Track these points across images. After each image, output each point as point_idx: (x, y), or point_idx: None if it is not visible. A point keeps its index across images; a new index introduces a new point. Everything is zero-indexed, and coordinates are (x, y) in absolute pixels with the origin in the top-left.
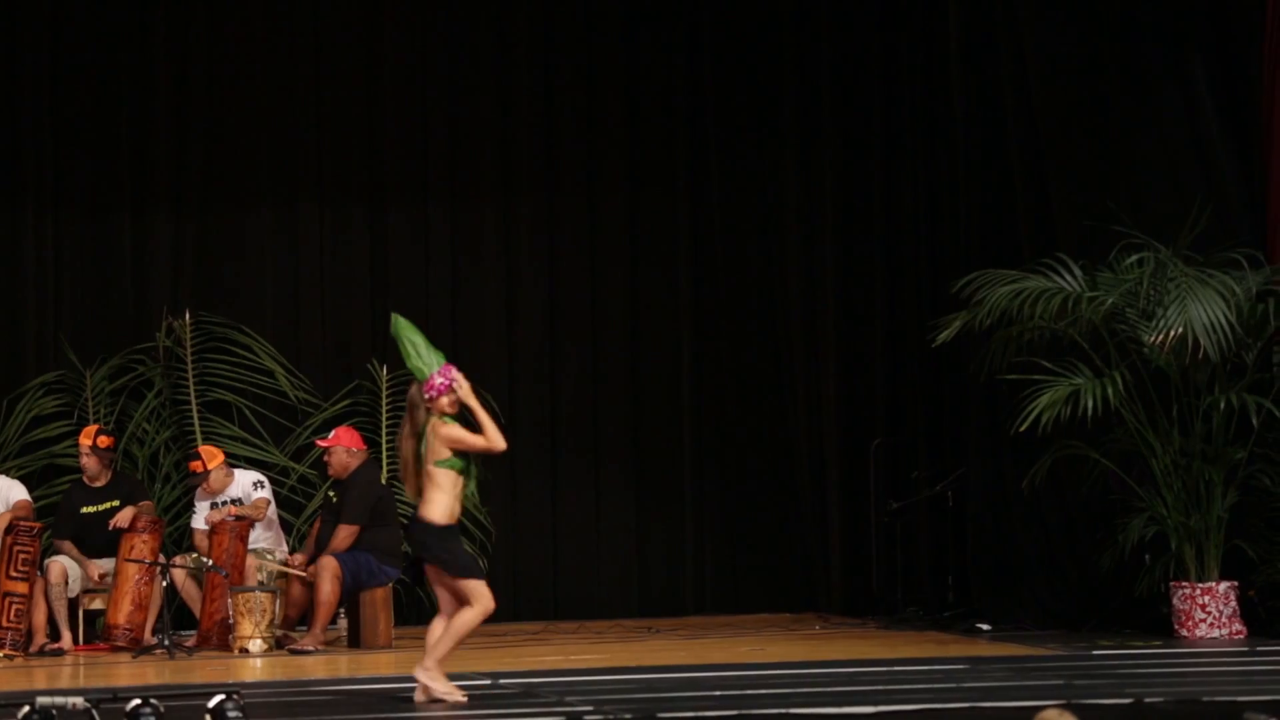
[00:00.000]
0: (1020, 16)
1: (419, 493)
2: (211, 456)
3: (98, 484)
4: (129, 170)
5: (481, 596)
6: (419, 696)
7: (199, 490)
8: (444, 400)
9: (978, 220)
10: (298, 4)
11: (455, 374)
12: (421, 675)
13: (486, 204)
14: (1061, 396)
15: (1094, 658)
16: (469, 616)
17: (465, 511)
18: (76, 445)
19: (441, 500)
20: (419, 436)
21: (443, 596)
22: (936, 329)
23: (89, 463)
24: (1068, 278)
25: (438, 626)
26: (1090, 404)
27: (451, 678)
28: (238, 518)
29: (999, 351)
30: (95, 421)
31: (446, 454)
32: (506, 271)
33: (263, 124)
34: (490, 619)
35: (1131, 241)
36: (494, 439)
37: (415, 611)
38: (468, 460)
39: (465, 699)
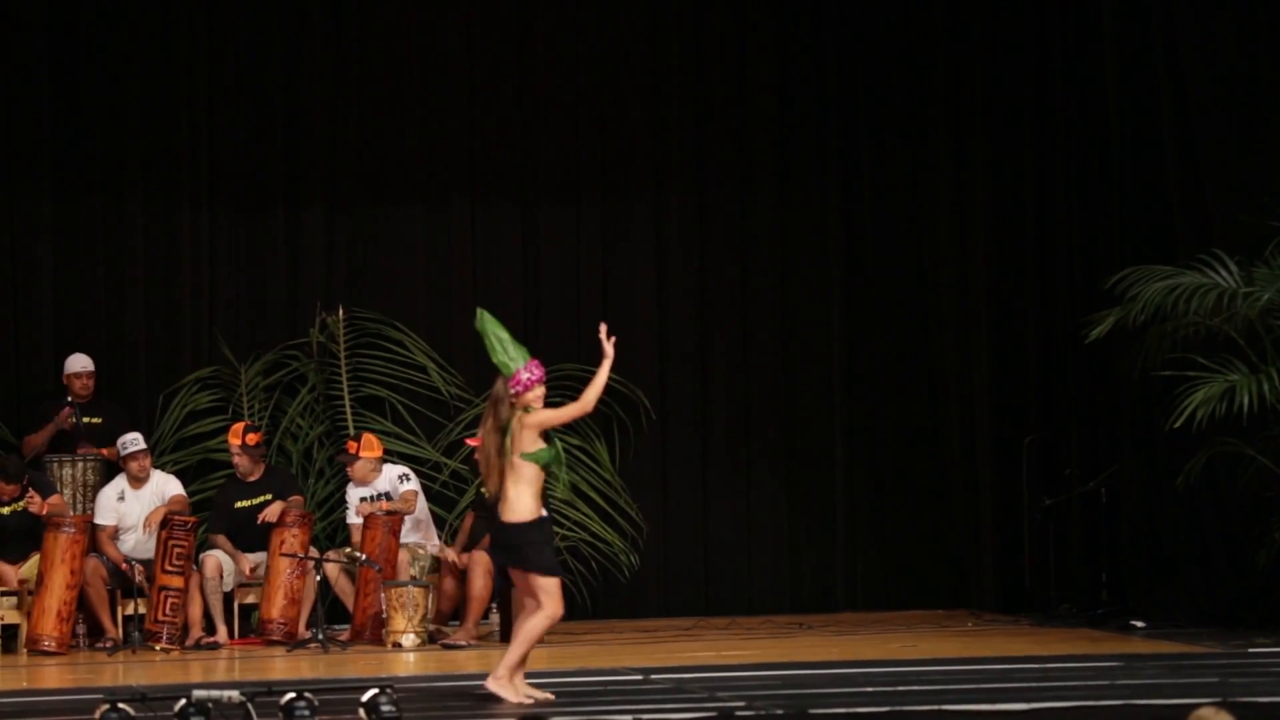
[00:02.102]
0: (1176, 8)
1: (499, 488)
2: (369, 446)
3: (251, 479)
4: (283, 167)
5: (552, 597)
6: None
7: (350, 482)
8: (529, 395)
9: (1131, 215)
10: (451, 1)
11: (542, 370)
12: (492, 685)
13: (638, 200)
14: (1217, 393)
15: (1250, 655)
16: (538, 621)
17: (618, 508)
18: (227, 444)
19: (525, 496)
20: (503, 431)
21: (525, 598)
22: (1090, 325)
23: (240, 461)
24: (1223, 273)
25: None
26: (1246, 400)
27: (603, 674)
28: (389, 512)
29: (1153, 347)
30: (248, 417)
31: (533, 446)
32: (657, 268)
33: (415, 120)
34: (642, 614)
35: None
36: (586, 399)
37: (569, 606)
38: (554, 451)
39: (551, 697)
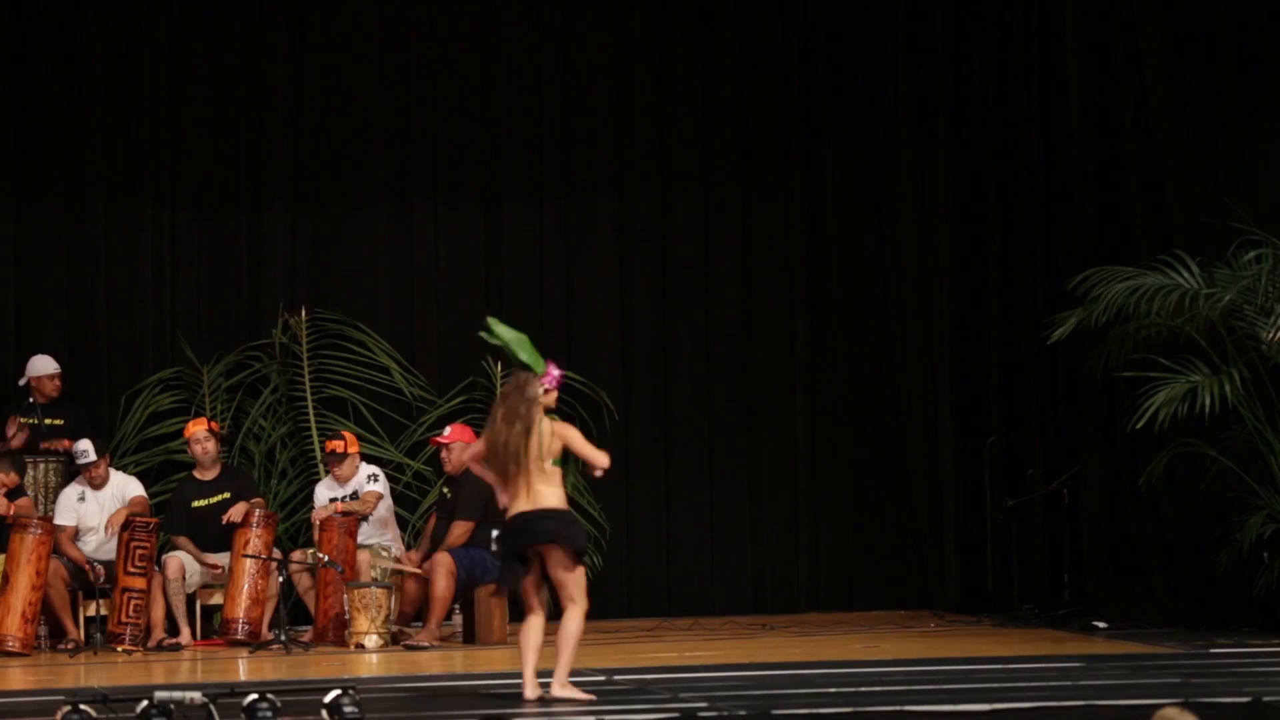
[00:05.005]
0: (1137, 10)
1: (512, 486)
2: (353, 443)
3: (208, 477)
4: (246, 168)
5: (582, 589)
6: (529, 694)
7: (330, 476)
8: (553, 395)
9: (1093, 216)
10: (412, 2)
11: (561, 370)
12: (560, 691)
13: (600, 199)
14: (1178, 393)
15: (1211, 656)
16: (574, 620)
17: (581, 509)
18: (187, 440)
19: (557, 492)
20: (529, 430)
21: (530, 594)
22: (1052, 326)
23: (211, 446)
24: (1185, 274)
25: (536, 627)
26: (1208, 401)
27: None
28: (345, 513)
29: (1115, 348)
30: (211, 418)
31: (558, 452)
32: (620, 267)
33: (378, 121)
34: (605, 615)
35: (1250, 238)
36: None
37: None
38: (568, 462)
39: (594, 697)
